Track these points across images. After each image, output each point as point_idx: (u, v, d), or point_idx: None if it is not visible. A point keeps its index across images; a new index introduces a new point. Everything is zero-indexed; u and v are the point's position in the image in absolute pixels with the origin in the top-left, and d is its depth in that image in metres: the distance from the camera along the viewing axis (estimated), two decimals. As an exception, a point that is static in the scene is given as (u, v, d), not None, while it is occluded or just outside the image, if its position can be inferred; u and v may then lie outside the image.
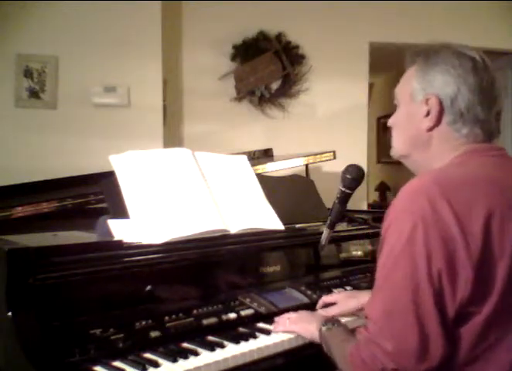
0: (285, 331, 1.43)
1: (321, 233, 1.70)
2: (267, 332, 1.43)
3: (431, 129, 1.19)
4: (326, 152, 2.78)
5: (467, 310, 1.02)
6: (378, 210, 4.04)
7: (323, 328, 1.32)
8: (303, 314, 1.49)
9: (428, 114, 1.19)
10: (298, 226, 1.94)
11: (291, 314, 1.49)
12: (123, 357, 1.22)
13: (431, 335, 1.00)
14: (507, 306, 1.03)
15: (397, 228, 1.06)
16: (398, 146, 1.29)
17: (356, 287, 1.82)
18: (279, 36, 3.68)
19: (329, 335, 1.29)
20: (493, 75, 1.19)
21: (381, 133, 6.47)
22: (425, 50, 1.23)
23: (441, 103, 1.17)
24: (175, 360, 1.23)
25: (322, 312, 1.56)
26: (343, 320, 1.50)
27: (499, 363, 1.04)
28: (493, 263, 1.02)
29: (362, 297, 1.54)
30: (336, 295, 1.64)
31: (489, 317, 1.02)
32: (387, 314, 1.03)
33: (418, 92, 1.21)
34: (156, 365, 1.21)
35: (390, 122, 1.32)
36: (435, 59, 1.20)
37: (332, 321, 1.35)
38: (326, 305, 1.61)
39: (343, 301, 1.58)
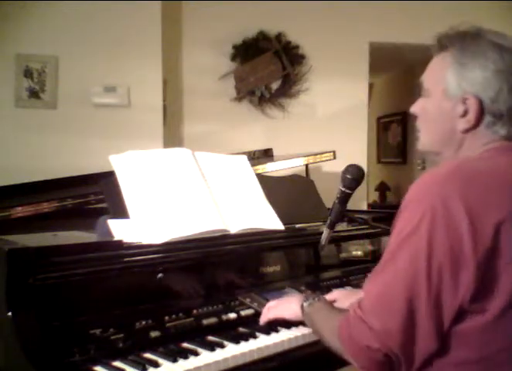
0: (269, 319, 1.45)
1: (321, 233, 1.70)
2: (267, 332, 1.43)
3: (467, 131, 1.12)
4: (326, 152, 2.78)
5: (471, 308, 1.00)
6: (378, 210, 4.04)
7: (305, 304, 1.33)
8: (282, 298, 1.51)
9: (464, 114, 1.11)
10: (298, 226, 1.94)
11: (271, 303, 1.51)
12: (123, 357, 1.22)
13: (419, 323, 0.99)
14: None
15: (405, 216, 1.05)
16: (427, 142, 1.22)
17: (356, 287, 1.82)
18: (279, 36, 3.69)
19: (312, 310, 1.30)
20: None
21: (381, 133, 6.47)
22: (460, 38, 1.13)
23: (481, 105, 1.09)
24: (175, 360, 1.23)
25: None
26: None
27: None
28: (500, 266, 0.99)
29: (360, 296, 1.54)
30: (335, 293, 1.65)
31: (494, 319, 1.00)
32: (382, 295, 1.04)
33: (454, 89, 1.11)
34: (156, 365, 1.21)
35: (416, 111, 1.22)
36: (472, 52, 1.10)
37: (312, 296, 1.36)
38: None
39: (342, 299, 1.59)
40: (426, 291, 0.99)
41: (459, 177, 1.02)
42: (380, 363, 1.02)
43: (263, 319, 1.47)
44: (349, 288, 1.82)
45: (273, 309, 1.47)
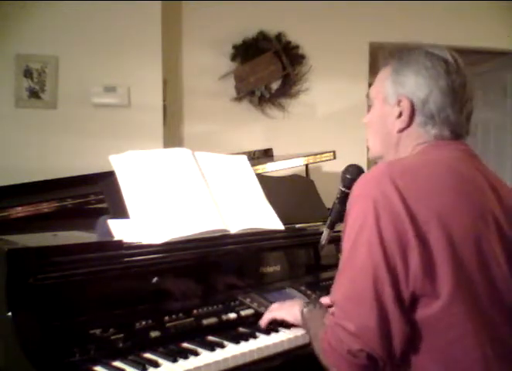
0: (269, 320, 1.46)
1: (321, 233, 1.70)
2: (268, 332, 1.43)
3: (401, 131, 1.21)
4: (326, 152, 2.78)
5: (422, 296, 1.03)
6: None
7: (305, 310, 1.35)
8: (286, 302, 1.52)
9: (400, 115, 1.21)
10: (298, 226, 1.94)
11: (274, 305, 1.52)
12: (123, 357, 1.23)
13: (390, 316, 1.01)
14: (463, 301, 1.03)
15: (352, 213, 1.10)
16: (373, 148, 1.32)
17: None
18: (279, 36, 3.68)
19: (309, 317, 1.32)
20: (465, 76, 1.20)
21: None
22: (399, 51, 1.26)
23: (412, 106, 1.19)
24: (175, 360, 1.23)
25: None
26: None
27: (461, 362, 1.04)
28: (436, 250, 1.03)
29: None
30: None
31: (444, 308, 1.02)
32: (348, 297, 1.06)
33: (391, 94, 1.22)
34: (156, 365, 1.21)
35: (365, 121, 1.33)
36: (407, 61, 1.22)
37: (313, 302, 1.38)
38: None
39: None
40: (388, 278, 1.02)
41: (393, 169, 1.10)
42: (363, 368, 1.03)
43: (264, 321, 1.48)
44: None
45: (275, 311, 1.49)
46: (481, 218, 1.09)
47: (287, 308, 1.46)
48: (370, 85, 1.37)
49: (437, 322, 1.04)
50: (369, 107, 1.33)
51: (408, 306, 1.04)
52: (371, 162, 3.82)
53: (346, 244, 1.10)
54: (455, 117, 1.18)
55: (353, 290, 1.05)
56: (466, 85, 1.20)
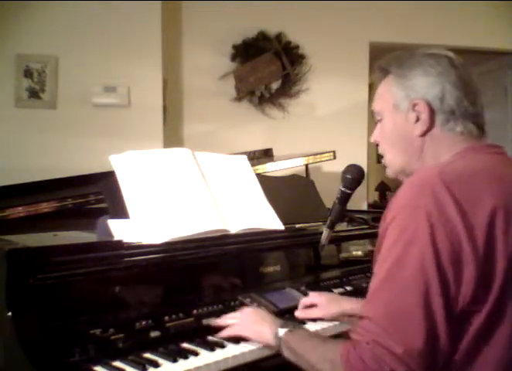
0: (233, 336, 1.36)
1: (321, 233, 1.70)
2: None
3: (424, 134, 1.16)
4: (326, 152, 2.78)
5: (469, 309, 1.00)
6: (378, 210, 4.04)
7: (282, 331, 1.24)
8: (250, 315, 1.39)
9: (417, 119, 1.16)
10: (298, 226, 1.94)
11: (236, 314, 1.42)
12: (123, 357, 1.23)
13: (440, 335, 0.96)
14: (505, 308, 1.01)
15: (400, 224, 1.02)
16: (392, 162, 1.24)
17: (356, 287, 1.83)
18: (279, 36, 3.68)
19: (292, 339, 1.21)
20: (469, 70, 1.18)
21: (381, 133, 6.45)
22: (395, 58, 1.21)
23: (430, 106, 1.14)
24: (175, 360, 1.23)
25: (301, 314, 1.55)
26: (324, 325, 1.51)
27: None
28: (495, 260, 1.00)
29: (344, 303, 1.53)
30: (316, 297, 1.59)
31: (488, 317, 1.00)
32: (393, 315, 0.98)
33: (402, 100, 1.17)
34: (156, 365, 1.21)
35: (376, 138, 1.27)
36: (409, 64, 1.18)
37: (291, 323, 1.28)
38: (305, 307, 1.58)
39: (324, 304, 1.55)
40: (441, 299, 0.97)
41: (445, 176, 1.03)
42: None
43: (222, 335, 1.37)
44: (349, 288, 1.82)
45: (242, 329, 1.36)
46: None
47: (253, 327, 1.34)
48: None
49: (477, 333, 1.00)
50: (374, 124, 1.27)
51: (456, 320, 0.99)
52: (372, 163, 3.83)
53: (387, 258, 1.02)
54: (473, 108, 1.15)
55: (399, 307, 0.97)
56: (472, 78, 1.17)
